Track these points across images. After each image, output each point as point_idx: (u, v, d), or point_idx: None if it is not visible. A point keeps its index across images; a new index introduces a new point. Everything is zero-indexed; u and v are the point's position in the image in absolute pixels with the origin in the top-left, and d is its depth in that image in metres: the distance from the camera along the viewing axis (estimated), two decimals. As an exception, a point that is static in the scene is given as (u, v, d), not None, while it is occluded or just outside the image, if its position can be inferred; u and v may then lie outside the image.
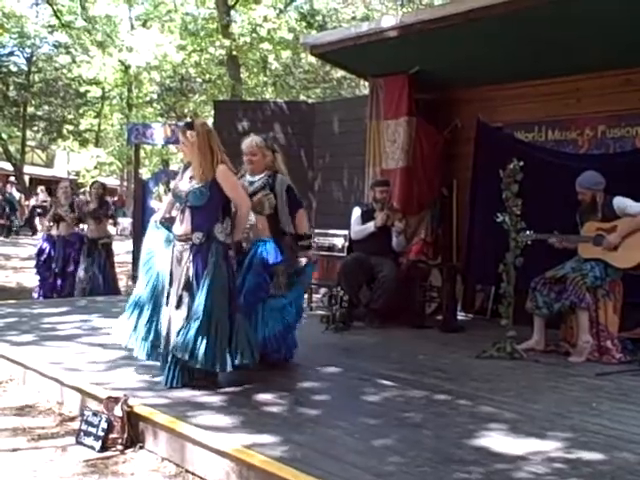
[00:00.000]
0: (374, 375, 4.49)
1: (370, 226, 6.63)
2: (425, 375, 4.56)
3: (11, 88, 29.57)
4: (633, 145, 6.45)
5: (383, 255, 6.52)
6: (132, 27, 24.28)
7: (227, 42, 18.13)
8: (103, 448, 3.41)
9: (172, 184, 4.49)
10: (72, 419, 3.91)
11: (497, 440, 3.25)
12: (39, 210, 21.61)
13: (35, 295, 8.48)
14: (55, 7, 23.59)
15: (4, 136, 27.66)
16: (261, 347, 4.33)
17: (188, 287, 4.03)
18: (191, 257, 4.05)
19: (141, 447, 3.47)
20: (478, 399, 3.99)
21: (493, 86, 7.20)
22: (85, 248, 8.44)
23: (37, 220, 21.53)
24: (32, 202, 23.29)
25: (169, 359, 4.03)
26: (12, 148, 29.45)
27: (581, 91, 6.72)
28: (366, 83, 8.76)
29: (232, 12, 19.33)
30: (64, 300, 7.86)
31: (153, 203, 9.95)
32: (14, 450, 3.43)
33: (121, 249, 13.57)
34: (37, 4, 25.73)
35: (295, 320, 4.64)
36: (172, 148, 22.18)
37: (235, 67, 19.40)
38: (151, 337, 4.22)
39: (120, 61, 20.95)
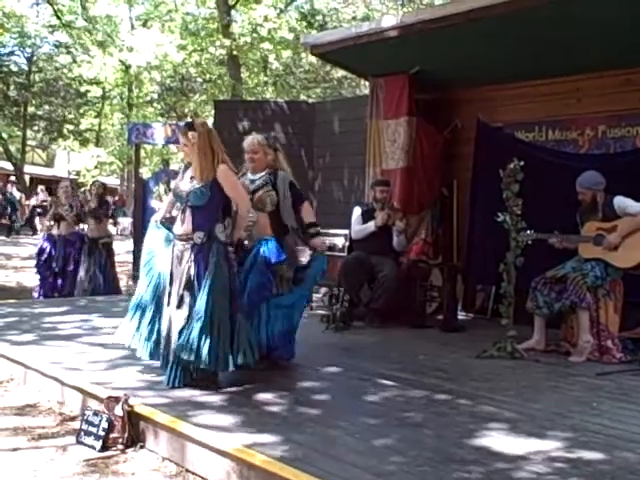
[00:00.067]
0: (374, 375, 4.49)
1: (370, 226, 6.63)
2: (425, 375, 4.56)
3: (12, 88, 29.56)
4: (633, 145, 6.45)
5: (383, 255, 6.52)
6: (132, 27, 24.29)
7: (227, 42, 18.13)
8: (104, 448, 3.41)
9: (172, 184, 4.49)
10: (73, 419, 3.91)
11: (497, 440, 3.25)
12: (39, 210, 21.62)
13: (35, 295, 8.49)
14: (55, 7, 23.60)
15: (4, 136, 27.67)
16: (265, 346, 4.34)
17: (189, 287, 4.03)
18: (192, 257, 4.05)
19: (142, 447, 3.47)
20: (478, 399, 3.99)
21: (493, 86, 7.20)
22: (86, 248, 8.44)
23: (37, 220, 21.55)
24: (32, 202, 23.30)
25: (170, 359, 4.03)
26: (12, 148, 29.45)
27: (581, 91, 6.72)
28: (366, 83, 8.77)
29: (232, 12, 19.34)
30: (64, 300, 7.86)
31: (153, 203, 9.97)
32: (14, 450, 3.43)
33: (121, 249, 13.57)
34: (37, 4, 25.77)
35: (298, 319, 4.62)
36: (172, 148, 22.19)
37: (235, 67, 19.41)
38: (154, 337, 4.22)
39: (120, 61, 20.95)
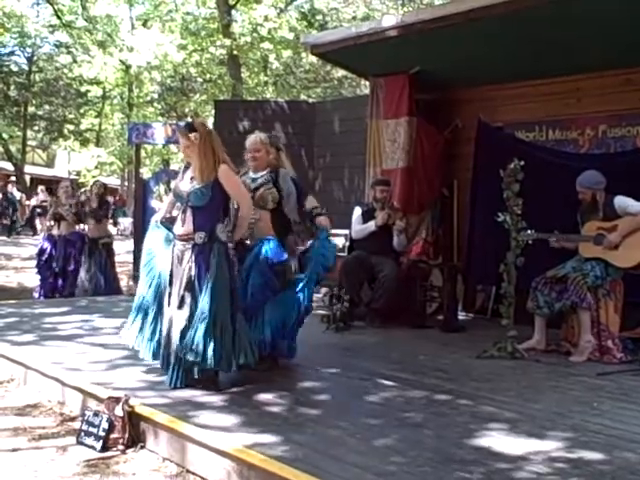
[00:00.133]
0: (375, 375, 4.49)
1: (371, 225, 6.63)
2: (426, 375, 4.56)
3: (12, 88, 29.57)
4: (634, 145, 6.45)
5: (384, 254, 6.52)
6: (133, 27, 24.29)
7: (228, 42, 18.14)
8: (104, 448, 3.41)
9: (173, 184, 4.49)
10: (73, 419, 3.92)
11: (498, 440, 3.25)
12: (39, 210, 21.62)
13: (36, 295, 8.49)
14: (56, 7, 23.58)
15: (5, 136, 27.66)
16: (268, 344, 4.34)
17: (190, 287, 4.02)
18: (193, 257, 4.04)
19: (142, 447, 3.47)
20: (479, 399, 3.99)
21: (494, 86, 7.20)
22: (86, 248, 8.44)
23: (37, 220, 21.54)
24: (33, 202, 23.29)
25: (172, 360, 4.02)
26: (13, 148, 29.45)
27: (581, 91, 6.72)
28: (367, 83, 8.77)
29: (233, 12, 19.34)
30: (65, 300, 7.87)
31: (154, 203, 9.96)
32: (15, 450, 3.44)
33: (122, 249, 13.57)
34: (38, 4, 25.81)
35: (301, 313, 4.53)
36: (173, 148, 22.19)
37: (236, 67, 19.41)
38: (156, 337, 4.22)
39: (121, 61, 20.96)
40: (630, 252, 5.15)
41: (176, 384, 3.99)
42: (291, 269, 4.51)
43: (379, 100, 7.46)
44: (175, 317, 4.05)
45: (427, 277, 6.86)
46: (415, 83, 7.20)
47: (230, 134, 8.78)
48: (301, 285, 4.47)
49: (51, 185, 23.67)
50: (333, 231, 7.42)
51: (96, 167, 25.14)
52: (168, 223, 4.45)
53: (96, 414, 3.53)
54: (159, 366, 4.22)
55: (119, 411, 3.50)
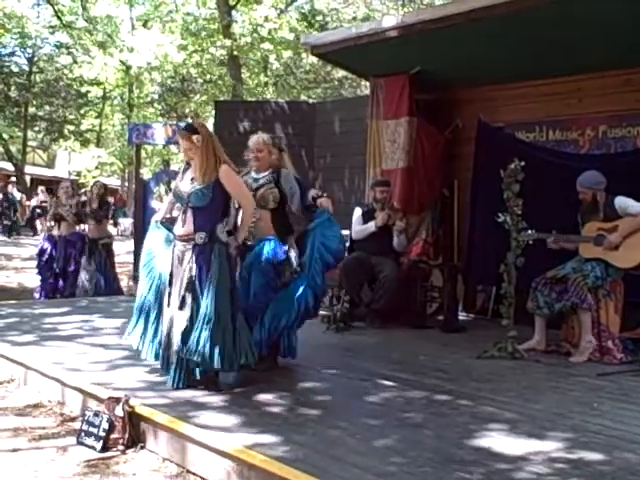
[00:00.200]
0: (375, 375, 4.49)
1: (371, 226, 6.63)
2: (426, 375, 4.56)
3: (12, 88, 29.58)
4: (634, 145, 6.45)
5: (384, 255, 6.52)
6: (133, 27, 24.33)
7: (228, 42, 18.14)
8: (104, 448, 3.41)
9: (172, 184, 4.49)
10: (73, 419, 3.92)
11: (498, 440, 3.25)
12: (39, 210, 21.63)
13: (37, 295, 8.48)
14: (56, 7, 23.61)
15: (5, 136, 27.68)
16: (267, 342, 4.34)
17: (191, 288, 4.02)
18: (193, 258, 4.04)
19: (142, 447, 3.47)
20: (479, 399, 3.99)
21: (494, 86, 7.20)
22: (86, 248, 8.44)
23: (37, 220, 21.56)
24: (33, 202, 23.31)
25: (174, 360, 4.02)
26: (13, 148, 29.48)
27: (582, 91, 6.72)
28: (367, 83, 8.76)
29: (233, 12, 19.35)
30: (65, 300, 7.86)
31: (154, 203, 9.97)
32: (15, 450, 3.43)
33: (122, 249, 13.58)
34: (38, 4, 25.84)
35: (301, 312, 4.45)
36: (173, 148, 22.20)
37: (236, 67, 19.41)
38: (158, 338, 4.22)
39: (121, 61, 20.98)
40: (630, 253, 5.15)
41: (178, 385, 3.99)
42: (291, 267, 4.48)
43: (379, 100, 7.46)
44: (176, 318, 4.05)
45: (427, 277, 6.86)
46: (415, 83, 7.20)
47: (230, 134, 8.79)
48: (302, 288, 4.41)
49: (51, 185, 23.69)
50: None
51: (96, 167, 25.17)
52: (168, 224, 4.45)
53: (96, 414, 3.53)
54: (158, 366, 4.22)
55: (119, 411, 3.49)
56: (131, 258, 10.83)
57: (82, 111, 29.80)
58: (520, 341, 5.26)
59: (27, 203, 23.66)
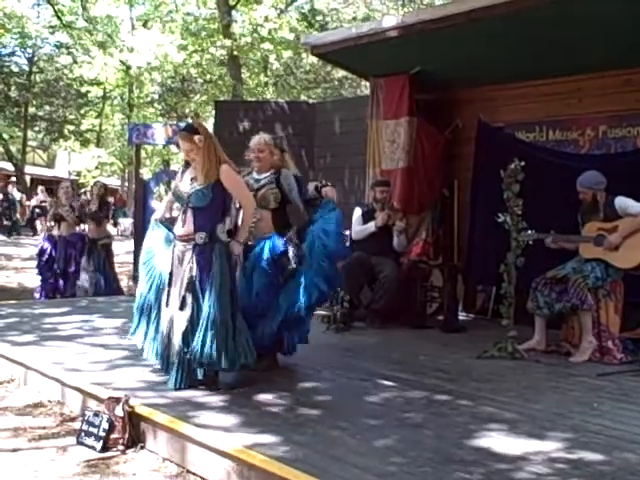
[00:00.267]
0: (375, 375, 4.49)
1: (371, 226, 6.63)
2: (426, 375, 4.56)
3: (12, 88, 29.58)
4: (634, 145, 6.45)
5: (384, 255, 6.52)
6: (133, 27, 24.33)
7: (228, 42, 18.14)
8: (104, 448, 3.41)
9: (172, 184, 4.48)
10: (73, 419, 3.92)
11: (498, 440, 3.25)
12: (38, 210, 21.63)
13: (37, 296, 8.48)
14: (56, 7, 23.60)
15: (5, 136, 27.67)
16: (274, 338, 4.36)
17: (191, 288, 4.01)
18: (194, 258, 4.04)
19: (142, 447, 3.47)
20: (479, 399, 3.99)
21: (494, 86, 7.19)
22: (86, 248, 8.44)
23: (37, 220, 21.55)
24: (33, 202, 23.31)
25: (175, 361, 4.01)
26: (13, 148, 29.46)
27: (582, 91, 6.72)
28: (367, 83, 8.76)
29: (233, 12, 19.34)
30: (65, 300, 7.86)
31: (154, 203, 9.97)
32: (15, 450, 3.43)
33: (122, 249, 13.58)
34: (38, 4, 25.83)
35: (311, 301, 4.41)
36: (173, 148, 22.20)
37: (236, 67, 19.41)
38: (159, 338, 4.22)
39: (121, 61, 20.97)
40: (630, 253, 5.15)
41: (180, 386, 3.98)
42: (289, 261, 4.45)
43: (379, 100, 7.46)
44: (176, 318, 4.04)
45: (427, 277, 6.87)
46: (415, 83, 7.19)
47: (230, 134, 8.79)
48: (302, 286, 4.38)
49: (51, 185, 23.68)
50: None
51: (96, 167, 25.18)
52: (168, 223, 4.45)
53: (96, 414, 3.53)
54: (158, 366, 4.22)
55: (119, 411, 3.49)
56: (131, 258, 10.83)
57: (82, 111, 29.80)
58: (520, 341, 5.26)
59: (27, 203, 23.66)
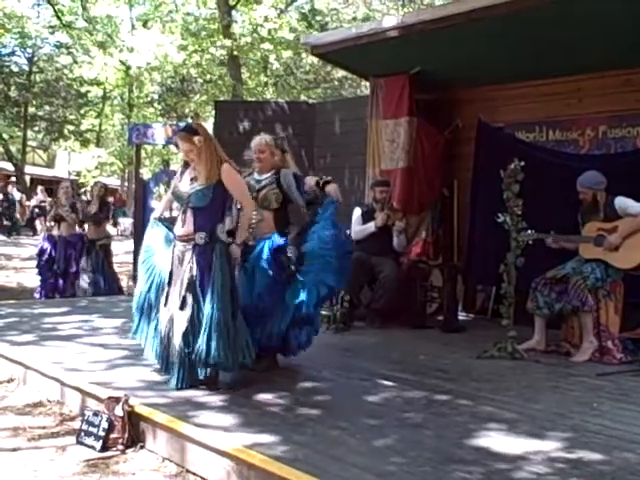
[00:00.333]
0: (375, 375, 4.49)
1: (370, 226, 6.63)
2: (426, 375, 4.56)
3: (12, 88, 29.58)
4: (634, 145, 6.45)
5: (384, 255, 6.52)
6: (133, 27, 24.33)
7: (228, 42, 18.13)
8: (104, 448, 3.41)
9: (171, 184, 4.47)
10: (73, 419, 3.91)
11: (498, 440, 3.25)
12: (37, 210, 21.63)
13: (37, 295, 8.48)
14: (56, 7, 23.60)
15: (5, 136, 27.68)
16: (279, 339, 4.35)
17: (192, 288, 4.01)
18: (194, 258, 4.03)
19: (142, 447, 3.47)
20: (479, 399, 3.99)
21: (494, 86, 7.20)
22: (85, 248, 8.45)
23: (37, 220, 21.55)
24: (32, 202, 23.32)
25: (175, 361, 4.00)
26: (13, 148, 29.47)
27: (582, 91, 6.72)
28: (367, 83, 8.76)
29: (233, 12, 19.34)
30: (65, 300, 7.87)
31: (154, 203, 9.96)
32: (14, 450, 3.43)
33: (122, 249, 13.59)
34: (38, 4, 25.83)
35: (315, 301, 4.42)
36: (173, 148, 22.18)
37: (236, 67, 19.41)
38: (158, 338, 4.21)
39: (121, 61, 20.97)
40: (630, 253, 5.15)
41: (182, 386, 3.97)
42: (289, 260, 4.44)
43: (379, 100, 7.46)
44: (176, 318, 4.03)
45: (427, 277, 6.87)
46: (415, 83, 7.19)
47: (230, 134, 8.79)
48: (307, 284, 4.37)
49: (51, 186, 23.69)
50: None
51: (96, 167, 25.19)
52: (167, 222, 4.44)
53: (96, 414, 3.52)
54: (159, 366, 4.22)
55: (119, 411, 3.49)
56: (131, 258, 10.82)
57: (82, 111, 29.80)
58: (520, 341, 5.26)
59: (27, 203, 23.66)
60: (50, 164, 35.82)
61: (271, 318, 4.32)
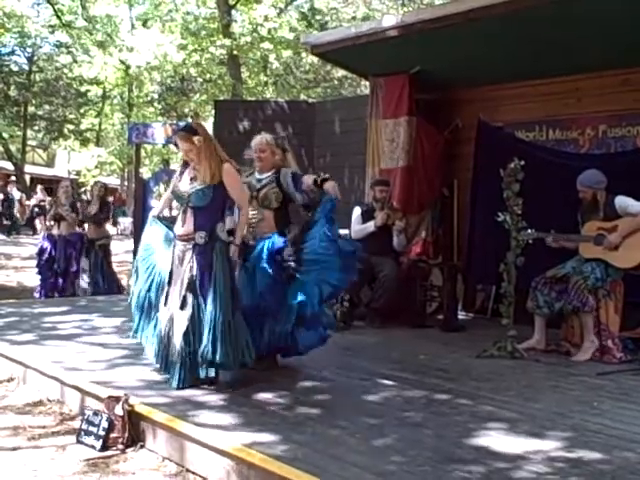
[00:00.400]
0: (375, 375, 4.49)
1: (370, 225, 6.63)
2: (426, 375, 4.56)
3: (12, 87, 29.58)
4: (634, 145, 6.45)
5: (384, 255, 6.52)
6: (133, 27, 24.33)
7: (228, 42, 18.14)
8: (104, 447, 3.41)
9: (171, 183, 4.47)
10: (72, 418, 3.92)
11: (497, 439, 3.25)
12: (37, 210, 21.62)
13: (37, 295, 8.48)
14: (56, 7, 23.60)
15: (5, 135, 27.68)
16: (285, 339, 4.35)
17: (192, 288, 4.01)
18: (194, 257, 4.03)
19: (142, 446, 3.47)
20: (479, 398, 3.99)
21: (494, 86, 7.19)
22: (84, 248, 8.45)
23: (37, 219, 21.55)
24: (32, 202, 23.31)
25: (176, 360, 4.00)
26: (13, 147, 29.47)
27: (581, 91, 6.72)
28: (367, 83, 8.77)
29: (233, 11, 19.36)
30: (64, 299, 7.87)
31: (154, 202, 9.97)
32: (14, 449, 3.43)
33: (121, 249, 13.59)
34: (38, 4, 25.85)
35: (318, 300, 4.38)
36: (173, 147, 22.18)
37: (236, 67, 19.42)
38: (158, 337, 4.21)
39: (121, 61, 20.98)
40: (630, 253, 5.15)
41: (183, 385, 3.97)
42: (287, 259, 4.43)
43: (379, 100, 7.45)
44: (177, 318, 4.03)
45: (427, 277, 6.87)
46: (415, 83, 7.19)
47: (230, 134, 8.80)
48: (309, 283, 4.35)
49: (51, 185, 23.68)
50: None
51: (96, 167, 25.20)
52: (167, 222, 4.44)
53: (96, 413, 3.53)
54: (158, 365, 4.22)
55: (119, 410, 3.49)
56: (130, 257, 10.83)
57: (82, 110, 29.80)
58: (520, 340, 5.26)
59: (27, 202, 23.65)
60: (50, 163, 35.81)
61: (275, 317, 4.32)
